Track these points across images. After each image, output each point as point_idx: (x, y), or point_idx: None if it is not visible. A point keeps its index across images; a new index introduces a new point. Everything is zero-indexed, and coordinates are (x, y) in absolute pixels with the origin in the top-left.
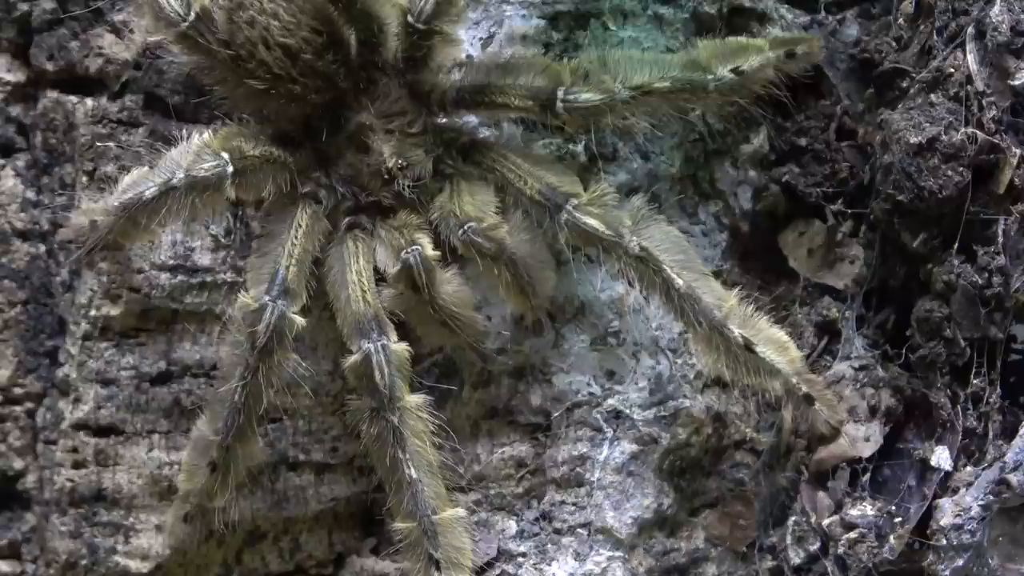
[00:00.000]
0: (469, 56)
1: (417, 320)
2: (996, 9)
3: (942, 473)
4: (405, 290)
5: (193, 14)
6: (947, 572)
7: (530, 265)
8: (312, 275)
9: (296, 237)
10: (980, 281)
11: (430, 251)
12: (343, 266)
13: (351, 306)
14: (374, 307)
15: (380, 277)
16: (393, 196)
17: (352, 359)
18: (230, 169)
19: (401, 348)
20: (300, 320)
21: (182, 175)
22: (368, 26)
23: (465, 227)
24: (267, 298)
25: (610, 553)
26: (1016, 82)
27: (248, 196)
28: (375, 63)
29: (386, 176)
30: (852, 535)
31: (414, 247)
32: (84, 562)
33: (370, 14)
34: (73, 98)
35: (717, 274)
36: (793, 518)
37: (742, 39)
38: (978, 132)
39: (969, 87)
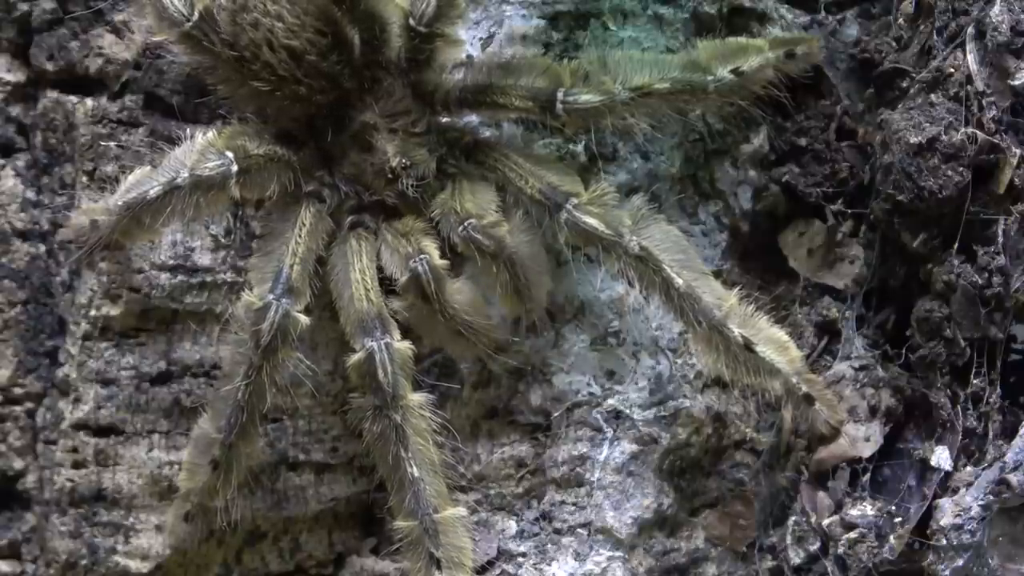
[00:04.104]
0: (469, 56)
1: (430, 332)
2: (996, 9)
3: (942, 473)
4: (415, 300)
5: (196, 14)
6: (947, 572)
7: (528, 267)
8: (315, 274)
9: (300, 236)
10: (980, 281)
11: (438, 259)
12: (346, 265)
13: (354, 304)
14: (377, 305)
15: (387, 284)
16: (397, 195)
17: (355, 357)
18: (234, 168)
19: (404, 346)
20: (304, 318)
21: (186, 174)
22: (371, 26)
23: (465, 223)
24: (271, 296)
25: (610, 553)
26: (1016, 82)
27: (252, 195)
28: (379, 63)
29: (390, 175)
30: (852, 535)
31: (422, 255)
32: (84, 562)
33: (373, 15)
34: (73, 98)
35: (717, 274)
36: (793, 518)
37: (742, 39)
38: (978, 132)
39: (969, 87)
